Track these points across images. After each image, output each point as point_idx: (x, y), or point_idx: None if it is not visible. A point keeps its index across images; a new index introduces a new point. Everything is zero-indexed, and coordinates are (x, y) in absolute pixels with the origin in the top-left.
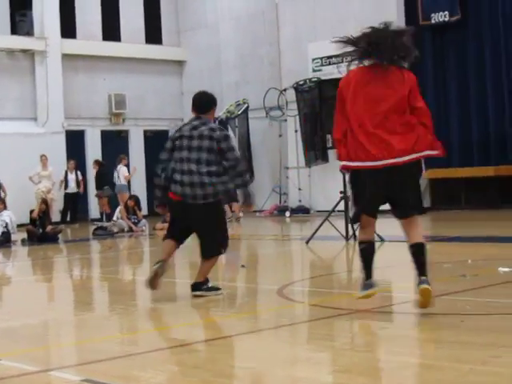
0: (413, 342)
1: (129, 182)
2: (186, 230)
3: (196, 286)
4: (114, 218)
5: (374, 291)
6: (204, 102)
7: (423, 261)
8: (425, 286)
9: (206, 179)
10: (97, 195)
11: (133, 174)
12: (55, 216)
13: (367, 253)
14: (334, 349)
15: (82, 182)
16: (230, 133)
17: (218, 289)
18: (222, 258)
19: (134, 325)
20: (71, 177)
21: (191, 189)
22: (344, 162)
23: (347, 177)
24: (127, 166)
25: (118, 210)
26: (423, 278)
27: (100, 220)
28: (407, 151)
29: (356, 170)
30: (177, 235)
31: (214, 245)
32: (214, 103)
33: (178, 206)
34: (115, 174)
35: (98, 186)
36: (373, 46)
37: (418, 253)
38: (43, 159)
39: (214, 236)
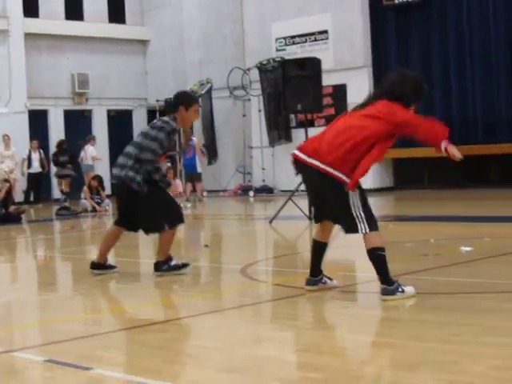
0: (374, 320)
1: None
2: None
3: (157, 266)
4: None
5: (310, 289)
6: (171, 104)
7: (375, 268)
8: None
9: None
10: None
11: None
12: (18, 196)
13: (313, 250)
14: (296, 328)
15: (46, 161)
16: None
17: (183, 266)
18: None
19: (97, 305)
20: (35, 156)
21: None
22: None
23: None
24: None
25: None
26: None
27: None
28: (327, 162)
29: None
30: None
31: (149, 220)
32: (180, 102)
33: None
34: (82, 154)
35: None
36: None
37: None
38: (5, 139)
39: (149, 211)
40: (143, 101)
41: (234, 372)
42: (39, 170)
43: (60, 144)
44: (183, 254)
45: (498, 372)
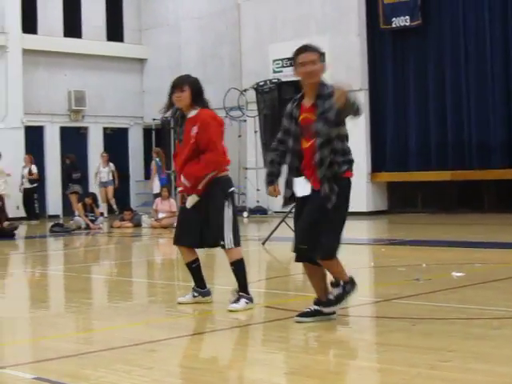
0: (364, 344)
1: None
2: None
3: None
4: None
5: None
6: None
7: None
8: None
9: None
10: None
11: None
12: (12, 212)
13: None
14: (286, 351)
15: (38, 176)
16: None
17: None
18: None
19: (87, 323)
20: (26, 171)
21: None
22: None
23: None
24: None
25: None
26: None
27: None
28: None
29: None
30: None
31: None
32: None
33: None
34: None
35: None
36: None
37: None
38: None
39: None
40: (139, 119)
41: None
42: (29, 185)
43: (72, 160)
44: (176, 275)
45: None
